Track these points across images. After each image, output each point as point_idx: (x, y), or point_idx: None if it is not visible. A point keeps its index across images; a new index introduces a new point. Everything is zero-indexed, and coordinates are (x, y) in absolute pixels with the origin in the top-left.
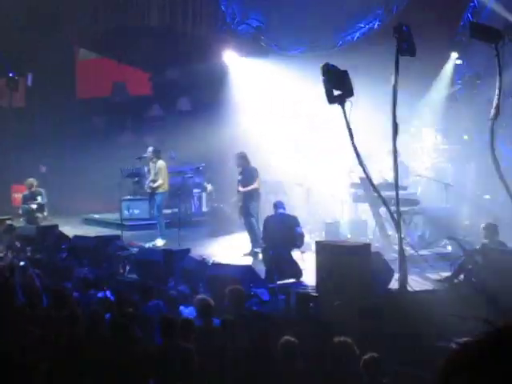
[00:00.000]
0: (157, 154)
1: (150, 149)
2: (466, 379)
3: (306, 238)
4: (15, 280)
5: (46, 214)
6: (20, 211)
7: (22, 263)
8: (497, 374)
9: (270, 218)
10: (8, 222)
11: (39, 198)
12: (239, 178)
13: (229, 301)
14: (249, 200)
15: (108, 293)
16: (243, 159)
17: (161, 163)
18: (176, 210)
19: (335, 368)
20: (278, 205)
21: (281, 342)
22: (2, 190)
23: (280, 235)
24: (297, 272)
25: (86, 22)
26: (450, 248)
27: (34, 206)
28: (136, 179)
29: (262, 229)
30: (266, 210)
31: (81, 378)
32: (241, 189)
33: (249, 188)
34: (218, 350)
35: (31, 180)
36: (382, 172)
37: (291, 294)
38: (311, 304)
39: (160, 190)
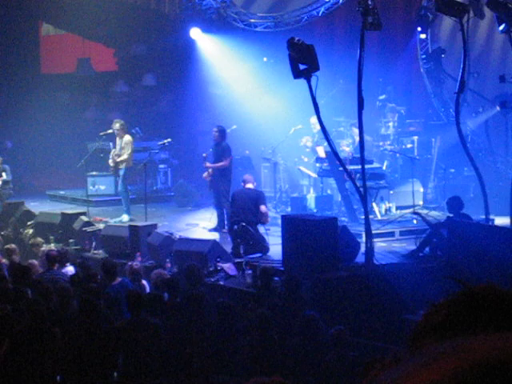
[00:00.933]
0: (124, 129)
1: (117, 124)
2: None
3: (272, 213)
4: None
5: (11, 190)
6: None
7: None
8: (469, 334)
9: (237, 192)
10: None
11: (4, 175)
12: (210, 151)
13: (185, 277)
14: (219, 177)
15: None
16: (220, 133)
17: (128, 138)
18: (142, 185)
19: (302, 341)
20: (246, 179)
21: (257, 313)
22: None
23: (246, 210)
24: (263, 247)
25: None
26: (415, 222)
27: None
28: (101, 155)
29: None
30: (232, 185)
31: (48, 355)
32: (208, 164)
33: (217, 165)
34: (185, 324)
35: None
36: (348, 147)
37: (258, 268)
38: (276, 278)
39: (124, 165)
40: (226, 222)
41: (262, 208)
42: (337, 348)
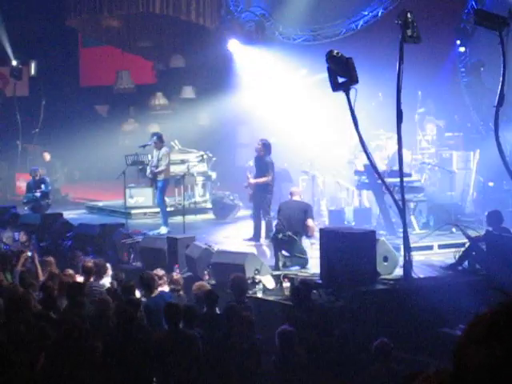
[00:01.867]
0: (161, 141)
1: (154, 137)
2: (483, 350)
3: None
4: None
5: (49, 201)
6: (24, 200)
7: (29, 253)
8: None
9: (284, 203)
10: (12, 210)
11: (43, 187)
12: (255, 164)
13: (231, 288)
14: (263, 192)
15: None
16: (265, 147)
17: (165, 150)
18: (180, 197)
19: (341, 355)
20: (293, 192)
21: (278, 331)
22: (6, 179)
23: (292, 221)
24: (303, 259)
25: (90, 10)
26: (454, 230)
27: (38, 194)
28: (140, 167)
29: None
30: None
31: (86, 368)
32: (252, 180)
33: (260, 180)
34: (222, 336)
35: (35, 168)
36: (387, 160)
37: (295, 281)
38: (315, 291)
39: (162, 177)
40: (264, 235)
41: (309, 221)
42: (380, 360)
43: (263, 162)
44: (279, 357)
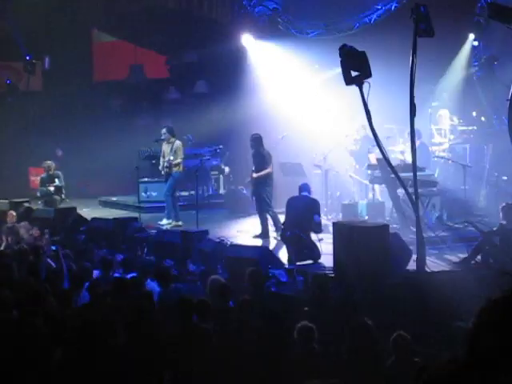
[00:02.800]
0: (172, 133)
1: (164, 129)
2: (497, 333)
3: (324, 220)
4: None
5: (63, 196)
6: (38, 193)
7: (53, 247)
8: None
9: (292, 199)
10: (26, 204)
11: (57, 181)
12: (253, 160)
13: (248, 282)
14: (261, 185)
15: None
16: (256, 141)
17: (178, 143)
18: (193, 192)
19: (354, 349)
20: (302, 187)
21: (298, 327)
22: (19, 173)
23: (300, 217)
24: (315, 254)
25: (103, 4)
26: (467, 229)
27: (52, 189)
28: (153, 161)
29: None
30: (284, 191)
31: (100, 362)
32: (254, 175)
33: (262, 173)
34: (235, 330)
35: (49, 162)
36: (404, 153)
37: (309, 275)
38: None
39: (176, 169)
40: (273, 228)
41: (316, 218)
42: (399, 353)
43: (260, 156)
44: (299, 351)
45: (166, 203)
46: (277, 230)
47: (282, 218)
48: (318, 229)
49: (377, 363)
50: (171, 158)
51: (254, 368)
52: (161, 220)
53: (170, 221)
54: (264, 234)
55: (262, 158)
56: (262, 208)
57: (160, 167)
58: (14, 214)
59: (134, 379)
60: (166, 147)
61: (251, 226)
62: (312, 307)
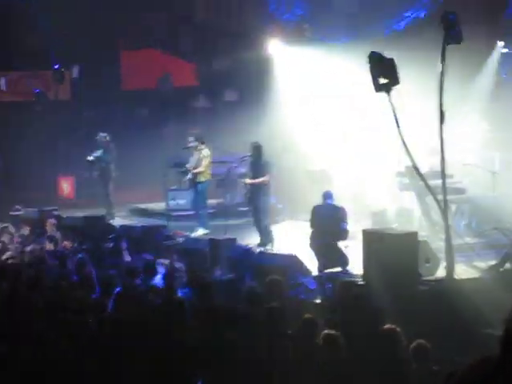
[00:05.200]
0: (201, 141)
1: (192, 138)
2: None
3: (353, 228)
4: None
5: (112, 169)
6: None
7: (80, 255)
8: None
9: (317, 207)
10: (55, 212)
11: (99, 152)
12: (250, 168)
13: (267, 291)
14: (257, 194)
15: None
16: (256, 150)
17: (206, 151)
18: (222, 200)
19: (383, 356)
20: (326, 195)
21: (322, 335)
22: (48, 182)
23: (328, 225)
24: (344, 261)
25: (132, 14)
26: (496, 236)
27: (91, 158)
28: (182, 170)
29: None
30: (309, 199)
31: (129, 365)
32: (248, 181)
33: (256, 181)
34: (265, 338)
35: (104, 134)
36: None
37: (338, 282)
38: (358, 292)
39: (201, 179)
40: (266, 240)
41: (343, 225)
42: (418, 362)
43: (258, 165)
44: (324, 360)
45: (201, 213)
46: (264, 244)
47: (305, 225)
48: (345, 236)
49: (402, 371)
50: (188, 165)
51: (282, 375)
52: (194, 230)
53: (208, 231)
54: (263, 245)
55: (259, 167)
56: (259, 217)
57: (187, 177)
58: (54, 222)
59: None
60: (195, 156)
61: (279, 233)
62: (336, 314)
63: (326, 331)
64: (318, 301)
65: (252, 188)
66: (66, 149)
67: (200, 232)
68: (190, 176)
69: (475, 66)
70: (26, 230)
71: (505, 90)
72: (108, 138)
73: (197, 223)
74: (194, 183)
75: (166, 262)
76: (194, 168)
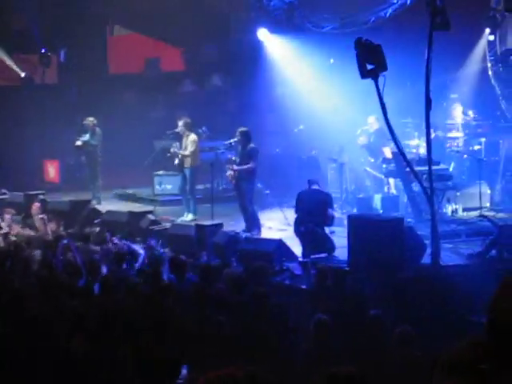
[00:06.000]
0: (188, 127)
1: (181, 122)
2: None
3: (338, 214)
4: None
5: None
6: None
7: (64, 241)
8: None
9: (302, 193)
10: (41, 196)
11: (87, 136)
12: (237, 154)
13: (252, 276)
14: (242, 180)
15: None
16: (244, 136)
17: (192, 137)
18: (208, 185)
19: (368, 341)
20: (311, 181)
21: (314, 320)
22: (34, 165)
23: (313, 211)
24: (329, 247)
25: None
26: (482, 223)
27: (79, 143)
28: (168, 154)
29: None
30: (297, 185)
31: (116, 349)
32: (234, 167)
33: (244, 167)
34: (249, 323)
35: (91, 118)
36: (419, 147)
37: (323, 268)
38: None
39: (189, 164)
40: (253, 226)
41: (330, 211)
42: (402, 347)
43: (245, 151)
44: (314, 345)
45: (191, 200)
46: (249, 230)
47: (291, 211)
48: (331, 222)
49: (385, 356)
50: (175, 149)
51: (266, 360)
52: (182, 215)
53: (196, 216)
54: (249, 229)
55: (246, 154)
56: (245, 204)
57: (175, 162)
58: (39, 205)
59: (151, 366)
60: (184, 140)
61: (266, 219)
62: (326, 300)
63: (317, 315)
64: (304, 286)
65: (238, 174)
66: (53, 133)
67: (188, 217)
68: (177, 161)
69: (462, 54)
70: (8, 214)
71: (491, 78)
72: (95, 121)
73: (185, 208)
74: (182, 168)
75: (150, 246)
76: (182, 153)
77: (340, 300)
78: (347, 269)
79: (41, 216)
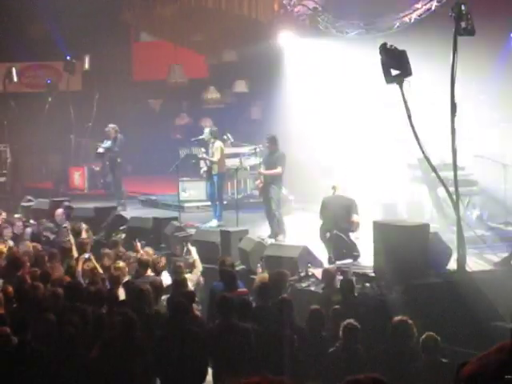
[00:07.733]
0: (214, 135)
1: (207, 130)
2: None
3: (363, 219)
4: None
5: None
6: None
7: (86, 255)
8: None
9: (327, 198)
10: (66, 203)
11: (109, 143)
12: (264, 159)
13: (272, 285)
14: (269, 184)
15: None
16: (272, 142)
17: (218, 144)
18: (233, 191)
19: (394, 347)
20: (336, 187)
21: (343, 325)
22: (60, 172)
23: (338, 217)
24: (354, 253)
25: (143, 5)
26: (507, 229)
27: (101, 150)
28: (193, 161)
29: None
30: (318, 193)
31: (138, 357)
32: (262, 171)
33: (271, 172)
34: (275, 329)
35: (113, 125)
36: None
37: (349, 274)
38: (368, 284)
39: (216, 171)
40: (277, 230)
41: (354, 217)
42: (427, 354)
43: (273, 157)
44: (342, 350)
45: (218, 205)
46: (275, 236)
47: (316, 217)
48: (356, 228)
49: (410, 363)
50: (204, 155)
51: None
52: (207, 222)
53: (221, 222)
54: (273, 236)
55: (274, 159)
56: (270, 209)
57: (201, 171)
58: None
59: (176, 373)
60: (209, 148)
61: (291, 225)
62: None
63: (347, 321)
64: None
65: (265, 179)
66: (77, 140)
67: (213, 223)
68: (205, 168)
69: (488, 59)
70: (19, 222)
71: None
72: (117, 128)
73: (213, 215)
74: (210, 175)
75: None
76: (211, 159)
77: (365, 306)
78: (372, 275)
79: (64, 225)
